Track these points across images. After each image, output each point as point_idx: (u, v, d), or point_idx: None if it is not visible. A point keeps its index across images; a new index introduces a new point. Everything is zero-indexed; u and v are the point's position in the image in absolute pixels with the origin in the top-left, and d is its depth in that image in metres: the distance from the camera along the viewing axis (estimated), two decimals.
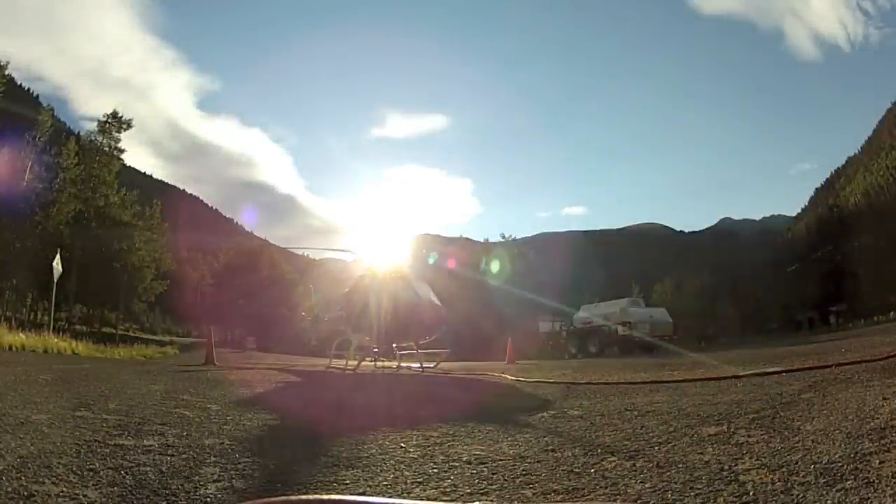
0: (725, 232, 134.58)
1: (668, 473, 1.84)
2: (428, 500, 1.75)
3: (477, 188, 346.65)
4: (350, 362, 9.55)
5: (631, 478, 1.85)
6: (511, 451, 2.36)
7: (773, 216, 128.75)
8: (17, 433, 2.40)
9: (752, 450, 2.02)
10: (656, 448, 2.21)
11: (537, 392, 4.76)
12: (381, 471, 2.13)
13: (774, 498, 1.52)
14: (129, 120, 36.23)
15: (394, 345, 10.12)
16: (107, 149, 34.74)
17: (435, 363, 9.90)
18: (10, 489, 1.67)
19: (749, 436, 2.24)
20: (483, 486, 1.91)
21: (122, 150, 36.09)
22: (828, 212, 54.67)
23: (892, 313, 25.98)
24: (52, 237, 28.41)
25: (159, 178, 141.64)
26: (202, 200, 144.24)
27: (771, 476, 1.69)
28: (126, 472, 1.94)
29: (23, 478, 1.78)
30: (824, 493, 1.50)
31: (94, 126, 36.09)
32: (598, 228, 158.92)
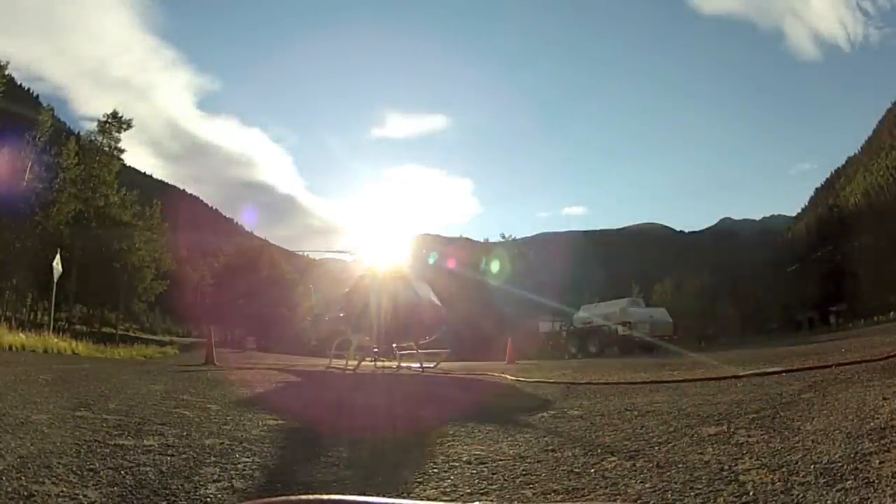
0: (725, 232, 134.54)
1: (668, 473, 1.84)
2: (428, 500, 1.75)
3: (477, 188, 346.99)
4: (350, 362, 9.55)
5: (631, 478, 1.85)
6: (511, 451, 2.36)
7: (773, 216, 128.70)
8: (17, 433, 2.40)
9: (752, 450, 2.02)
10: (656, 448, 2.21)
11: (537, 392, 4.76)
12: (381, 471, 2.13)
13: (774, 498, 1.52)
14: (129, 120, 36.27)
15: (394, 345, 10.12)
16: (107, 149, 34.74)
17: (435, 363, 9.89)
18: (10, 489, 1.67)
19: (749, 436, 2.24)
20: (483, 486, 1.91)
21: (122, 150, 36.13)
22: (828, 212, 54.66)
23: (892, 313, 25.97)
24: (52, 237, 28.40)
25: (159, 178, 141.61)
26: (202, 200, 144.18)
27: (771, 476, 1.69)
28: (126, 472, 1.94)
29: (23, 478, 1.78)
30: (824, 493, 1.50)
31: (94, 126, 36.14)
32: (598, 228, 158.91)
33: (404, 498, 1.80)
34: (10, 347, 9.57)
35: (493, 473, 2.03)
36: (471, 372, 8.03)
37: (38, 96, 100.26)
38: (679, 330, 23.83)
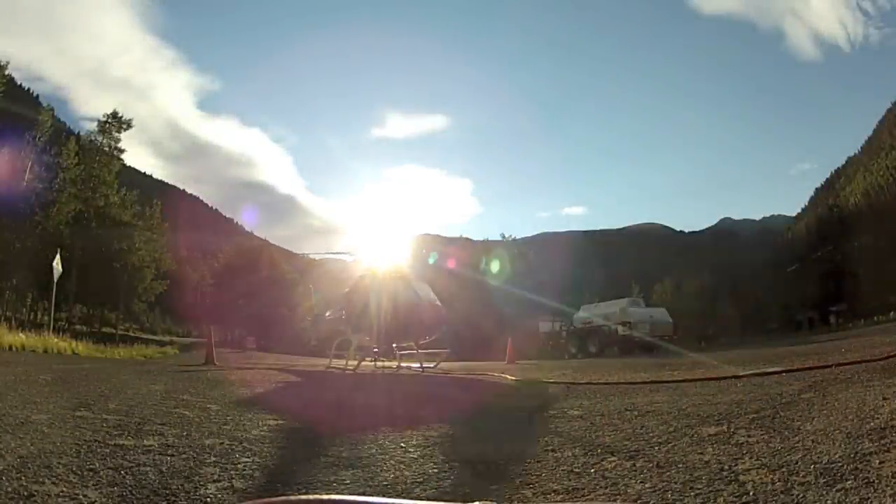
0: (725, 232, 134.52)
1: (668, 473, 1.84)
2: (428, 500, 1.75)
3: (477, 188, 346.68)
4: (350, 362, 9.55)
5: (631, 478, 1.85)
6: (511, 451, 2.36)
7: (773, 216, 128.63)
8: (18, 433, 2.40)
9: (752, 450, 2.02)
10: (656, 448, 2.21)
11: (537, 392, 4.76)
12: (381, 471, 2.13)
13: (774, 498, 1.52)
14: (129, 120, 36.25)
15: (394, 345, 10.13)
16: (107, 149, 34.72)
17: (435, 363, 9.90)
18: (10, 489, 1.67)
19: (749, 436, 2.24)
20: (483, 486, 1.91)
21: (122, 150, 36.11)
22: (828, 212, 54.64)
23: (892, 313, 25.95)
24: (52, 237, 28.39)
25: (159, 178, 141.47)
26: (202, 200, 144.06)
27: (771, 476, 1.69)
28: (126, 472, 1.94)
29: (23, 478, 1.78)
30: (824, 493, 1.50)
31: (94, 126, 36.10)
32: (598, 228, 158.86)
33: (404, 498, 1.80)
34: (10, 347, 9.57)
35: (493, 473, 2.03)
36: (471, 372, 8.03)
37: (38, 96, 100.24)
38: (679, 330, 23.82)
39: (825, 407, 2.59)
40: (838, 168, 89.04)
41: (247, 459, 2.26)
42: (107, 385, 4.56)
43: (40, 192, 30.59)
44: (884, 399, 2.53)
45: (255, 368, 8.66)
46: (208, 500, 1.74)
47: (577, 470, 2.00)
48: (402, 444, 2.55)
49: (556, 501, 1.70)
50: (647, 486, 1.74)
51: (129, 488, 1.78)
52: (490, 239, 56.34)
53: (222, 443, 2.54)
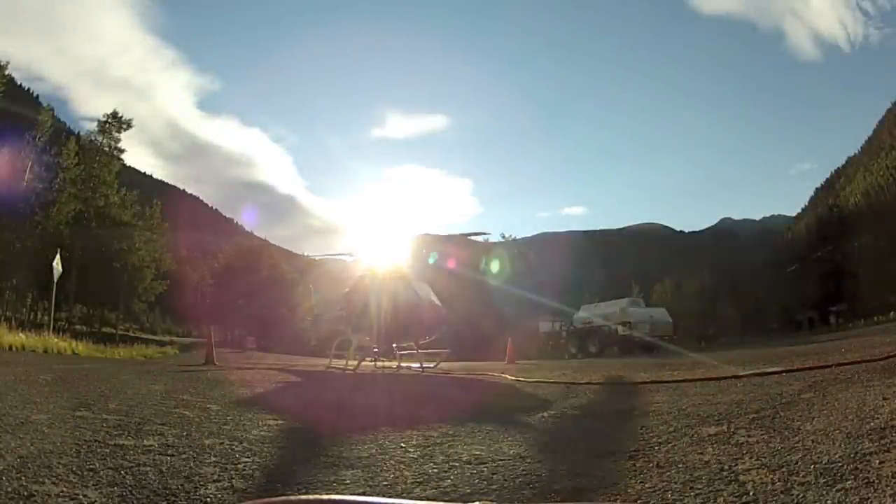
0: (725, 232, 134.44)
1: (668, 473, 1.84)
2: (428, 500, 1.75)
3: (477, 188, 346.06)
4: (350, 362, 9.55)
5: (631, 478, 1.85)
6: (511, 451, 2.36)
7: (773, 216, 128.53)
8: (18, 433, 2.40)
9: (752, 450, 2.02)
10: (656, 448, 2.21)
11: (537, 392, 4.76)
12: (381, 471, 2.13)
13: (774, 498, 1.52)
14: (129, 120, 36.21)
15: (394, 345, 10.12)
16: (107, 149, 34.71)
17: (435, 363, 9.89)
18: (10, 489, 1.67)
19: (749, 436, 2.24)
20: (483, 486, 1.91)
21: (122, 150, 36.08)
22: (828, 212, 54.61)
23: (892, 313, 25.93)
24: (52, 237, 28.39)
25: (159, 178, 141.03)
26: (202, 200, 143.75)
27: (771, 476, 1.69)
28: (126, 472, 1.94)
29: (23, 478, 1.78)
30: (824, 493, 1.50)
31: (94, 126, 36.06)
32: (598, 228, 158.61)
33: (404, 498, 1.80)
34: (10, 347, 9.57)
35: (493, 473, 2.03)
36: (471, 372, 8.03)
37: (38, 96, 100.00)
38: (679, 330, 23.82)
39: (825, 407, 2.59)
40: (838, 168, 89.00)
41: (247, 459, 2.26)
42: (107, 385, 4.56)
43: (40, 192, 30.58)
44: (884, 399, 2.53)
45: (255, 368, 8.66)
46: (208, 500, 1.74)
47: (577, 470, 2.00)
48: (402, 444, 2.55)
49: (556, 501, 1.70)
50: (647, 486, 1.74)
51: (129, 488, 1.78)
52: (490, 239, 56.30)
53: (222, 443, 2.54)
